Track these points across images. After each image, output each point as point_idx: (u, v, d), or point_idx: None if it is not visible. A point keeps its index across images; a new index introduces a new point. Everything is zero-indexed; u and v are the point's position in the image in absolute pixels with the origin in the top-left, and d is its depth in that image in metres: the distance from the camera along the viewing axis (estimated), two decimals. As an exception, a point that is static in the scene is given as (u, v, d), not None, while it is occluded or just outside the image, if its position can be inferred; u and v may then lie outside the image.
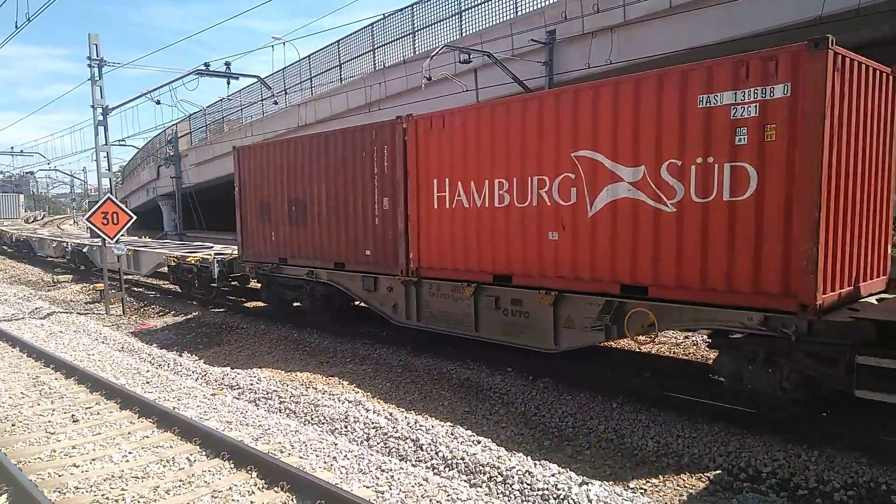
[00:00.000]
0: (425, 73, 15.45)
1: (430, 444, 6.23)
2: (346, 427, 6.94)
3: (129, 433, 6.64)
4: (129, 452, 6.08)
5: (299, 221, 11.82)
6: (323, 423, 7.15)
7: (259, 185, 12.96)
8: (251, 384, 8.59)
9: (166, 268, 17.11)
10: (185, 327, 13.47)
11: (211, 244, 19.90)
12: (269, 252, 12.71)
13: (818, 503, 5.36)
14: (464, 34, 19.48)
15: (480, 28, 19.02)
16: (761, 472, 5.86)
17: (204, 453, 6.03)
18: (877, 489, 5.43)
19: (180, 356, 10.76)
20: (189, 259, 15.63)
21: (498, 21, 18.67)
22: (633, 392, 8.01)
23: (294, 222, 11.96)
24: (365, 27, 23.70)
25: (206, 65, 16.24)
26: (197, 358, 10.79)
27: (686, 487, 5.75)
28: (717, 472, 5.97)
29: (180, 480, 5.44)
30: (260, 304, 14.54)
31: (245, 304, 15.22)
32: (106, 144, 16.50)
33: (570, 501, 4.97)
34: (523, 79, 16.69)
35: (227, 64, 16.38)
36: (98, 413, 7.34)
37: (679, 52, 14.02)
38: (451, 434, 6.57)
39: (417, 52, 20.86)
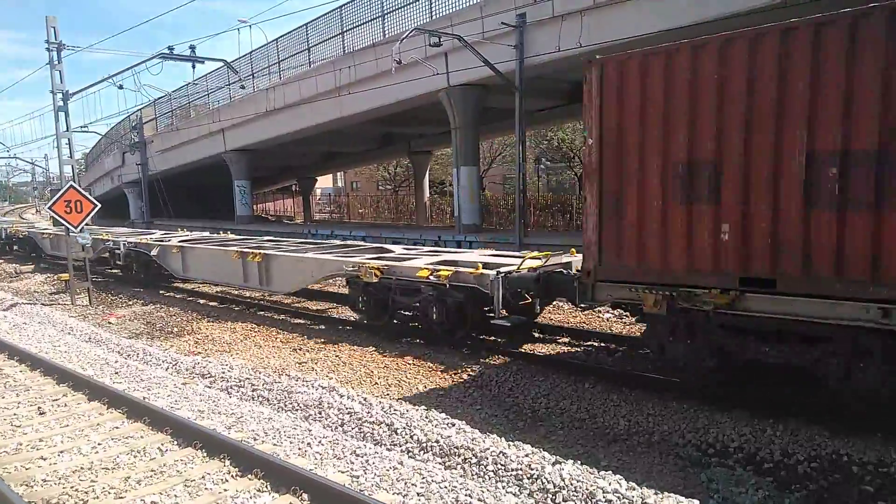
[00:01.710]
0: (395, 57, 15.30)
1: (404, 427, 6.24)
2: (320, 413, 6.92)
3: (97, 424, 6.54)
4: (99, 444, 5.98)
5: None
6: (297, 410, 7.12)
7: (669, 131, 6.63)
8: (223, 372, 8.50)
9: (346, 283, 11.79)
10: (154, 316, 13.26)
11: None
12: (704, 261, 6.53)
13: (783, 475, 5.51)
14: (434, 17, 19.31)
15: (450, 11, 18.87)
16: (728, 447, 6.01)
17: (176, 443, 5.97)
18: (838, 460, 5.60)
19: (150, 346, 10.59)
20: (425, 274, 9.32)
21: (468, 3, 18.55)
22: (604, 371, 8.15)
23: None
24: (334, 10, 23.38)
25: (171, 48, 15.86)
26: (167, 347, 10.64)
27: (656, 464, 5.86)
28: (686, 448, 6.10)
29: (152, 470, 5.37)
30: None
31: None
32: (67, 131, 16.05)
33: (544, 480, 5.03)
34: (494, 62, 16.64)
35: (192, 47, 16.04)
36: (65, 405, 7.21)
37: (649, 35, 14.12)
38: (426, 418, 6.59)
39: (387, 36, 20.65)
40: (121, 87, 18.33)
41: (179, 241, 15.52)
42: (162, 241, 16.18)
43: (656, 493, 4.79)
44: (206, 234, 19.62)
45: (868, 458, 5.54)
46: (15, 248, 25.54)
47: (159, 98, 34.59)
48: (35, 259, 23.29)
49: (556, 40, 15.23)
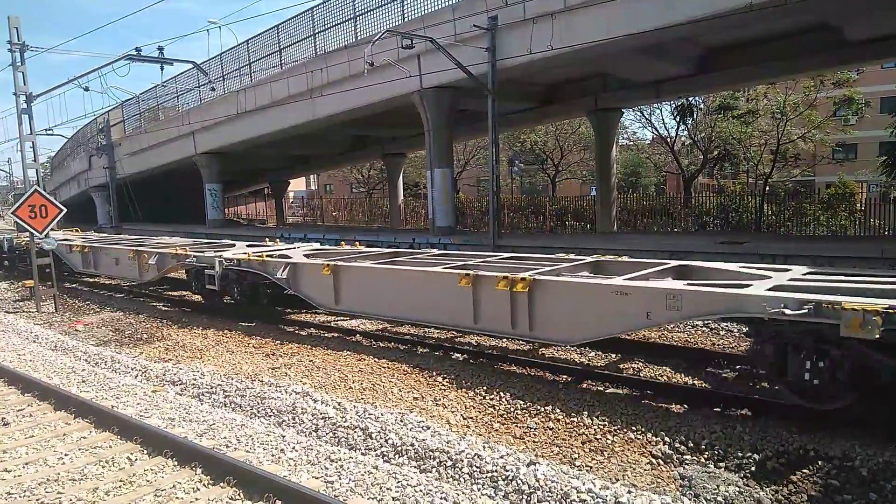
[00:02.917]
0: (367, 59, 15.24)
1: (379, 431, 6.22)
2: (293, 419, 6.85)
3: (64, 434, 6.39)
4: (66, 454, 5.85)
5: None
6: (270, 416, 7.04)
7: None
8: (194, 379, 8.37)
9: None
10: (123, 323, 13.00)
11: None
12: None
13: (753, 471, 5.61)
14: (406, 19, 19.29)
15: (423, 13, 18.86)
16: (700, 444, 6.09)
17: (145, 452, 5.86)
18: (805, 455, 5.72)
19: (118, 353, 10.39)
20: None
21: (440, 5, 18.56)
22: (579, 372, 8.23)
23: None
24: (305, 11, 23.17)
25: (138, 49, 15.58)
26: (136, 354, 10.44)
27: (630, 463, 5.92)
28: (660, 446, 6.17)
29: (120, 480, 5.27)
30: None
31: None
32: (31, 134, 15.66)
33: (519, 482, 5.05)
34: (466, 64, 16.67)
35: (160, 49, 15.76)
36: (30, 415, 7.03)
37: (618, 38, 14.29)
38: (401, 421, 6.57)
39: (359, 38, 20.55)
40: (87, 88, 17.96)
41: (327, 260, 10.80)
42: (290, 257, 11.50)
43: (629, 492, 4.84)
44: (317, 245, 15.08)
45: (834, 453, 5.67)
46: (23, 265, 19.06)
47: (127, 100, 33.93)
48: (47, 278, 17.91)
49: (527, 43, 15.30)
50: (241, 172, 40.90)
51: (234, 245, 14.88)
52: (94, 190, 39.53)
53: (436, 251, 12.88)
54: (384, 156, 35.90)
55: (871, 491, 5.13)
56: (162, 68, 16.19)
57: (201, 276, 12.62)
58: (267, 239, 17.13)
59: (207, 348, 10.58)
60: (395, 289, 9.51)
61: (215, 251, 13.27)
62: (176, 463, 5.58)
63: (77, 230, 22.45)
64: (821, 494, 5.22)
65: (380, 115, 24.09)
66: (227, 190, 41.52)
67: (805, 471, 5.52)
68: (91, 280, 18.69)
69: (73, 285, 18.15)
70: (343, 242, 16.23)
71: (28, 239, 15.00)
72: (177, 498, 4.96)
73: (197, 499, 4.94)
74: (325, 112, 22.48)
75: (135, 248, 14.87)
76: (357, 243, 14.02)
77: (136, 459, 5.72)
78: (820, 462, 5.59)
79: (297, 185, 61.12)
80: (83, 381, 8.35)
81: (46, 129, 30.22)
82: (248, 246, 14.47)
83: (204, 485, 5.18)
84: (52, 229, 14.23)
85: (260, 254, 12.01)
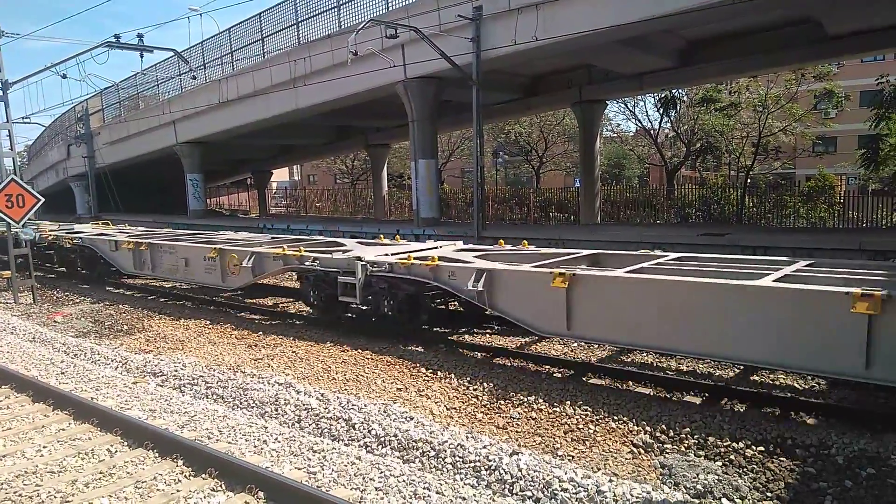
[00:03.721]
0: (351, 49, 15.12)
1: (362, 422, 6.21)
2: (276, 410, 6.82)
3: (43, 427, 6.31)
4: (44, 447, 5.78)
5: None
6: (252, 408, 7.01)
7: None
8: (175, 371, 8.30)
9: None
10: (103, 314, 12.85)
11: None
12: None
13: (732, 458, 5.69)
14: (390, 8, 19.15)
15: (407, 2, 18.73)
16: (680, 433, 6.16)
17: (126, 444, 5.81)
18: (783, 443, 5.81)
19: (98, 345, 10.27)
20: None
21: (424, -5, 18.43)
22: (562, 363, 8.28)
23: None
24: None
25: (117, 37, 15.34)
26: (117, 346, 10.33)
27: (612, 452, 5.97)
28: (641, 435, 6.23)
29: (100, 473, 5.22)
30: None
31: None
32: (7, 122, 15.38)
33: (501, 471, 5.08)
34: (451, 55, 16.61)
35: (140, 36, 15.56)
36: (8, 407, 6.94)
37: (602, 30, 14.30)
38: (384, 412, 6.57)
39: (343, 27, 20.38)
40: (64, 76, 17.69)
41: (540, 265, 8.35)
42: (466, 261, 9.00)
43: (611, 481, 4.89)
44: (460, 244, 11.92)
45: (810, 441, 5.76)
46: (52, 264, 17.80)
47: (106, 88, 33.42)
48: (85, 280, 16.47)
49: (512, 34, 15.28)
50: (223, 162, 40.53)
51: (343, 244, 12.12)
52: (72, 179, 38.97)
53: (673, 255, 9.15)
54: (368, 146, 35.73)
55: (846, 478, 5.22)
56: (142, 56, 15.98)
57: (326, 285, 10.11)
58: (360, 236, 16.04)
59: (189, 339, 10.49)
60: (672, 310, 6.74)
61: (342, 252, 10.61)
62: (157, 455, 5.53)
63: (108, 222, 19.86)
64: (797, 482, 5.31)
65: (364, 106, 23.95)
66: (209, 180, 41.16)
67: (783, 459, 5.60)
68: (65, 270, 18.39)
69: (85, 285, 16.08)
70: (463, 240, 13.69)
71: (55, 231, 14.56)
72: (157, 490, 4.93)
73: (178, 490, 4.90)
74: (309, 102, 22.31)
75: (218, 247, 12.06)
76: (525, 243, 10.83)
77: (117, 451, 5.67)
78: (797, 450, 5.68)
79: (280, 176, 60.70)
80: (62, 373, 8.25)
81: (23, 118, 29.74)
82: (360, 244, 12.08)
83: (185, 476, 5.14)
84: (76, 223, 13.95)
85: (407, 255, 9.44)
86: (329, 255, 10.35)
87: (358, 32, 15.69)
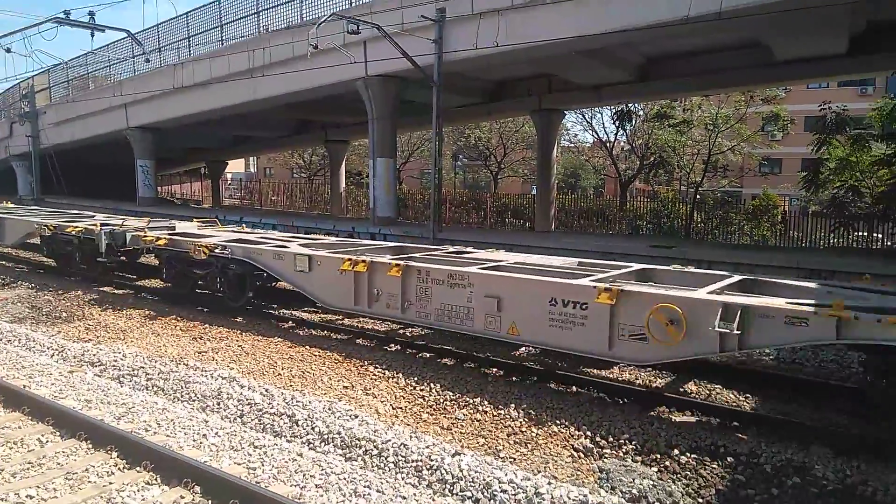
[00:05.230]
0: (311, 42, 14.95)
1: (306, 419, 6.16)
2: (218, 404, 6.71)
3: (-32, 415, 6.05)
4: (-31, 435, 5.54)
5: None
6: (194, 401, 6.87)
7: None
8: (115, 361, 8.07)
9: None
10: (41, 300, 12.37)
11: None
12: None
13: (667, 465, 5.86)
14: (353, 3, 19.03)
15: (371, -1, 18.64)
16: (619, 439, 6.32)
17: (58, 434, 5.63)
18: (716, 451, 6.02)
19: (34, 331, 9.89)
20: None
21: (389, -7, 18.37)
22: (507, 366, 8.38)
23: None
24: (250, -13, 22.54)
25: (66, 13, 14.80)
26: (54, 333, 9.97)
27: (552, 455, 6.08)
28: (582, 440, 6.36)
29: (29, 463, 5.04)
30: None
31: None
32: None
33: (443, 471, 5.11)
34: (413, 55, 16.61)
35: (92, 14, 15.05)
36: (-69, 393, 6.62)
37: (561, 40, 14.53)
38: (329, 409, 6.53)
39: (305, 19, 20.14)
40: (9, 50, 16.97)
41: None
42: None
43: (549, 483, 4.98)
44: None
45: (741, 450, 5.99)
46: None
47: (54, 66, 32.19)
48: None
49: (474, 38, 15.36)
50: (177, 150, 39.48)
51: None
52: (14, 159, 37.35)
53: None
54: (327, 142, 35.35)
55: (773, 486, 5.45)
56: (93, 35, 15.46)
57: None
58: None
59: (131, 329, 10.20)
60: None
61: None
62: (90, 446, 5.37)
63: (216, 221, 16.18)
64: (727, 489, 5.51)
65: (323, 101, 23.71)
66: (161, 167, 39.99)
67: (715, 466, 5.81)
68: (3, 251, 17.63)
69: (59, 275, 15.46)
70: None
71: (141, 229, 12.70)
72: (89, 482, 4.79)
73: (111, 482, 4.77)
74: (267, 93, 21.96)
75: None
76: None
77: (48, 441, 5.48)
78: (729, 458, 5.90)
79: (235, 167, 59.51)
80: (-8, 360, 7.92)
81: (-37, 91, 28.34)
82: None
83: (119, 468, 5.01)
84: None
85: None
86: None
87: (319, 26, 15.53)
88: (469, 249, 10.91)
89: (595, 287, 7.05)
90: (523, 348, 9.16)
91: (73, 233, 13.58)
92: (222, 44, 23.45)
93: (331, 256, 9.70)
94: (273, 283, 11.56)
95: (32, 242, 16.37)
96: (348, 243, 11.96)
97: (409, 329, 10.19)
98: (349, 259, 9.25)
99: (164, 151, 34.32)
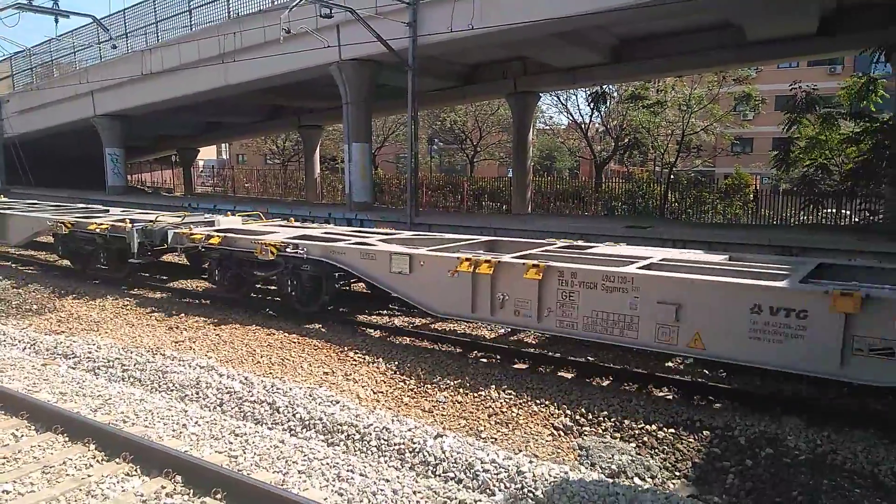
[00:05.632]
0: (283, 26, 14.71)
1: (287, 406, 6.15)
2: (197, 393, 6.66)
3: (-61, 411, 5.92)
4: (-60, 432, 5.43)
5: None
6: (172, 391, 6.81)
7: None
8: (89, 352, 7.95)
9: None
10: (9, 292, 12.11)
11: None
12: None
13: (645, 440, 5.97)
14: (326, -13, 18.73)
15: (343, -18, 18.37)
16: (598, 416, 6.41)
17: (33, 428, 5.54)
18: (692, 425, 6.15)
19: (4, 324, 9.70)
20: None
21: (361, -25, 18.12)
22: (488, 349, 8.44)
23: None
24: (218, -29, 22.05)
25: (30, -2, 14.37)
26: (25, 326, 9.78)
27: (532, 435, 6.15)
28: (561, 419, 6.44)
29: (4, 458, 4.96)
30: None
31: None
32: None
33: (425, 454, 5.15)
34: (387, 38, 16.44)
35: (56, -1, 14.61)
36: None
37: (536, 23, 14.49)
38: (310, 396, 6.52)
39: (276, 2, 19.81)
40: (-31, 37, 16.39)
41: None
42: None
43: (531, 462, 5.04)
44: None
45: (717, 424, 6.12)
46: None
47: (17, 53, 31.28)
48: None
49: (449, 21, 15.25)
50: (147, 138, 38.73)
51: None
52: (-23, 149, 36.36)
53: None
54: (300, 127, 34.96)
55: (747, 458, 5.58)
56: (56, 21, 15.02)
57: None
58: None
59: (105, 321, 10.05)
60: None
61: None
62: (67, 439, 5.30)
63: (291, 220, 14.31)
64: (703, 461, 5.63)
65: (296, 86, 23.40)
66: (131, 155, 39.24)
67: (691, 440, 5.93)
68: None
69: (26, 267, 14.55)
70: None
71: (186, 226, 11.45)
72: (67, 475, 4.73)
73: (89, 475, 4.72)
74: (238, 79, 21.60)
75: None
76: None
77: (23, 436, 5.39)
78: (705, 432, 6.02)
79: (207, 154, 58.55)
80: (-38, 354, 7.76)
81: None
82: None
83: (97, 461, 4.96)
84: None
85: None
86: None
87: (291, 9, 15.28)
88: (583, 244, 9.70)
89: (827, 292, 5.80)
90: (522, 335, 9.23)
91: (98, 230, 12.16)
92: (191, 29, 22.98)
93: (440, 256, 8.29)
94: (348, 285, 10.30)
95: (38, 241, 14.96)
96: (436, 238, 10.29)
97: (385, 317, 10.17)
98: (468, 259, 7.86)
99: (134, 139, 33.66)
